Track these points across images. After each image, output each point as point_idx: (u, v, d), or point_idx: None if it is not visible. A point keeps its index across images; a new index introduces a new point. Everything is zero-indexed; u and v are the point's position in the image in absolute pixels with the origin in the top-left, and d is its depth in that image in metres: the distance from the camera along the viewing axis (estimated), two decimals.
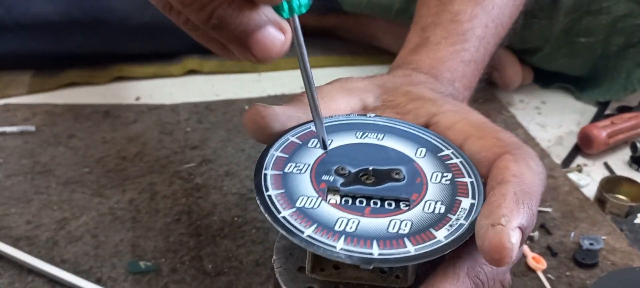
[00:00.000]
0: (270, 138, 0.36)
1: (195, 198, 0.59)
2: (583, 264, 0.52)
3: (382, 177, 0.33)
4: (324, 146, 0.34)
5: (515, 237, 0.28)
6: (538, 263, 0.52)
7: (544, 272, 0.52)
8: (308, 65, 0.31)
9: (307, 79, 0.32)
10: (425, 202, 0.32)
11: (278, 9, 0.29)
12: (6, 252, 0.50)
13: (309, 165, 0.34)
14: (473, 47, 0.51)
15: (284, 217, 0.30)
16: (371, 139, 0.37)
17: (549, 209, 0.58)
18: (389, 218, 0.30)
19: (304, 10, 0.29)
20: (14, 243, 0.52)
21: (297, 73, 0.85)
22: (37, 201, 0.58)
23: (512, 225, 0.29)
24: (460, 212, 0.31)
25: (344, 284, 0.34)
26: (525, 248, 0.53)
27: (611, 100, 0.79)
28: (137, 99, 0.78)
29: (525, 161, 0.33)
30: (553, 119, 0.77)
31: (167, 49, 0.86)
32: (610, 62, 0.77)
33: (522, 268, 0.52)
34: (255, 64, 0.31)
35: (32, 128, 0.68)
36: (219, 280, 0.50)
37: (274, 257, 0.36)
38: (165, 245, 0.53)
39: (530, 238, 0.55)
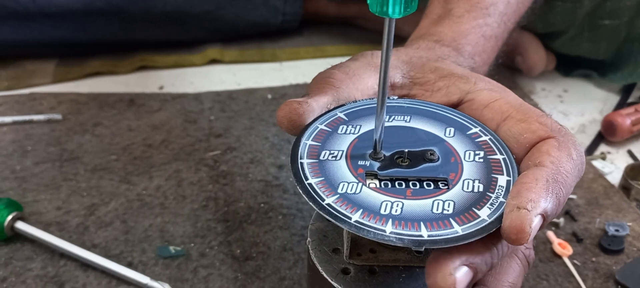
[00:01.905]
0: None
1: (222, 185, 0.60)
2: (609, 250, 0.52)
3: (417, 158, 0.34)
4: (375, 148, 0.34)
5: (535, 222, 0.29)
6: (564, 249, 0.52)
7: (570, 257, 0.52)
8: (388, 70, 0.31)
9: (382, 84, 0.31)
10: (464, 181, 0.32)
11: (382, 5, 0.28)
12: (38, 236, 0.51)
13: (343, 151, 0.34)
14: (495, 22, 0.51)
15: (328, 204, 0.30)
16: (399, 121, 0.37)
17: (573, 196, 0.59)
18: (431, 199, 0.31)
19: (406, 13, 0.28)
20: (45, 229, 0.52)
21: (318, 62, 0.86)
22: (66, 187, 0.59)
23: (536, 211, 0.29)
24: (498, 189, 0.31)
25: (380, 267, 0.34)
26: (551, 234, 0.54)
27: (635, 84, 0.79)
28: (161, 87, 0.78)
29: (567, 149, 0.33)
30: (576, 107, 0.77)
31: (188, 38, 0.87)
32: (635, 45, 0.77)
33: (548, 254, 0.52)
34: None
35: (58, 116, 0.69)
36: (247, 264, 0.51)
37: (308, 239, 0.36)
38: (193, 231, 0.54)
39: (556, 225, 0.55)
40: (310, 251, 0.36)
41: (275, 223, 0.55)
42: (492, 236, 0.30)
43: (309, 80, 0.80)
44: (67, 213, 0.55)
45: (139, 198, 0.57)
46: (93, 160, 0.63)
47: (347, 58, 0.42)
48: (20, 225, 0.51)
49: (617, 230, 0.54)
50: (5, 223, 0.51)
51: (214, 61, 0.86)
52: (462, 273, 0.29)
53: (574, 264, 0.51)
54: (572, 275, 0.50)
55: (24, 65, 0.81)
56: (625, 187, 0.60)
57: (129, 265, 0.50)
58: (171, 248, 0.52)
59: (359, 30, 0.95)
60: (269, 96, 0.76)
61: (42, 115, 0.69)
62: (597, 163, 0.65)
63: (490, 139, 0.35)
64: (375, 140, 0.33)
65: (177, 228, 0.54)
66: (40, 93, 0.75)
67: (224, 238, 0.53)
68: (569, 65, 0.83)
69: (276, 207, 0.57)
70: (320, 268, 0.34)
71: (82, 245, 0.51)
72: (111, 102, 0.73)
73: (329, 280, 0.34)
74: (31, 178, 0.60)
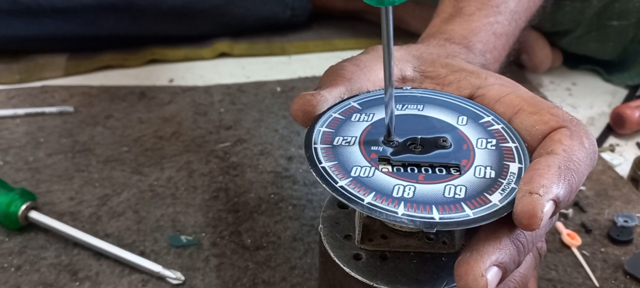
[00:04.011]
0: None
1: (232, 176, 0.60)
2: (618, 241, 0.53)
3: (429, 145, 0.34)
4: (389, 134, 0.34)
5: (547, 208, 0.29)
6: (573, 239, 0.52)
7: (579, 248, 0.52)
8: (392, 58, 0.31)
9: (388, 71, 0.31)
10: (476, 167, 0.32)
11: None
12: (52, 225, 0.52)
13: (356, 137, 0.34)
14: (506, 20, 0.51)
15: (341, 187, 0.30)
16: (412, 110, 0.37)
17: (582, 188, 0.59)
18: (443, 184, 0.31)
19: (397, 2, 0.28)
20: (58, 219, 0.53)
21: (326, 55, 0.87)
22: (78, 178, 0.59)
23: (547, 196, 0.29)
24: (510, 176, 0.32)
25: (392, 252, 0.35)
26: (560, 225, 0.54)
27: None
28: (171, 80, 0.79)
29: (579, 138, 0.33)
30: (584, 100, 0.77)
31: (197, 32, 0.88)
32: None
33: (557, 245, 0.53)
34: None
35: (70, 108, 0.70)
36: (258, 254, 0.51)
37: (320, 225, 0.37)
38: (204, 221, 0.54)
39: (565, 216, 0.55)
40: (322, 237, 0.36)
41: (285, 213, 0.56)
42: (518, 233, 0.31)
43: (317, 73, 0.81)
44: (80, 204, 0.56)
45: (151, 189, 0.58)
46: (105, 151, 0.63)
47: (355, 52, 0.42)
48: (34, 215, 0.52)
49: (626, 221, 0.54)
50: (20, 213, 0.51)
51: (223, 55, 0.86)
52: (492, 273, 0.29)
53: (583, 254, 0.51)
54: (581, 266, 0.50)
55: (35, 59, 0.82)
56: (634, 179, 0.60)
57: (142, 254, 0.50)
58: (183, 237, 0.52)
59: (367, 24, 0.95)
60: (278, 89, 0.77)
61: (54, 108, 0.70)
62: (606, 156, 0.65)
63: (502, 128, 0.36)
64: (387, 123, 0.33)
65: (188, 218, 0.55)
66: (51, 86, 0.76)
67: (235, 228, 0.54)
68: (576, 62, 0.83)
69: (286, 197, 0.58)
70: (332, 254, 0.35)
71: (95, 234, 0.52)
72: (122, 95, 0.74)
73: (341, 265, 0.34)
74: (44, 169, 0.60)
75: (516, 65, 0.82)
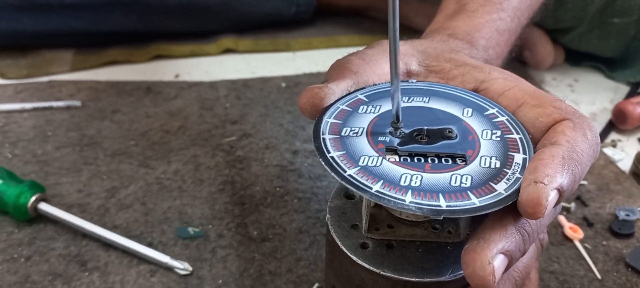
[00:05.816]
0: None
1: (238, 170, 0.61)
2: (619, 234, 0.53)
3: (435, 135, 0.35)
4: (397, 119, 0.35)
5: (551, 196, 0.30)
6: (575, 233, 0.53)
7: (581, 241, 0.53)
8: (399, 47, 0.32)
9: (394, 58, 0.32)
10: (481, 157, 0.33)
11: None
12: (61, 217, 0.52)
13: (363, 128, 0.35)
14: (508, 17, 0.52)
15: (350, 175, 0.31)
16: (418, 102, 0.38)
17: (584, 182, 0.59)
18: (449, 174, 0.32)
19: None
20: (67, 210, 0.54)
21: (330, 52, 0.88)
22: (86, 171, 0.60)
23: (552, 185, 0.30)
24: (515, 166, 0.32)
25: (398, 241, 0.35)
26: (562, 218, 0.54)
27: None
28: (177, 76, 0.80)
29: (582, 130, 0.34)
30: (586, 97, 0.78)
31: (203, 28, 0.88)
32: None
33: (560, 238, 0.53)
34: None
35: (77, 103, 0.71)
36: (264, 245, 0.52)
37: (327, 215, 0.37)
38: (211, 213, 0.55)
39: (567, 210, 0.56)
40: (330, 227, 0.37)
41: (291, 206, 0.56)
42: (524, 222, 0.31)
43: (322, 69, 0.82)
44: (88, 196, 0.57)
45: (158, 181, 0.59)
46: (112, 145, 0.64)
47: (359, 49, 0.43)
48: (44, 207, 0.53)
49: (627, 215, 0.55)
50: (29, 204, 0.52)
51: (228, 51, 0.87)
52: (499, 261, 0.30)
53: (585, 248, 0.52)
54: (583, 258, 0.51)
55: (42, 54, 0.82)
56: (635, 174, 0.61)
57: (149, 245, 0.51)
58: (190, 229, 0.53)
59: (371, 21, 0.96)
60: (283, 84, 0.78)
61: (62, 102, 0.70)
62: (608, 151, 0.65)
63: (507, 119, 0.36)
64: (395, 110, 0.34)
65: (195, 210, 0.55)
66: (59, 81, 0.76)
67: (241, 220, 0.54)
68: (578, 59, 0.84)
69: (292, 191, 0.58)
70: (339, 243, 0.35)
71: (104, 226, 0.52)
72: (129, 90, 0.75)
73: (348, 254, 0.35)
74: (52, 162, 0.61)
75: (519, 62, 0.83)
